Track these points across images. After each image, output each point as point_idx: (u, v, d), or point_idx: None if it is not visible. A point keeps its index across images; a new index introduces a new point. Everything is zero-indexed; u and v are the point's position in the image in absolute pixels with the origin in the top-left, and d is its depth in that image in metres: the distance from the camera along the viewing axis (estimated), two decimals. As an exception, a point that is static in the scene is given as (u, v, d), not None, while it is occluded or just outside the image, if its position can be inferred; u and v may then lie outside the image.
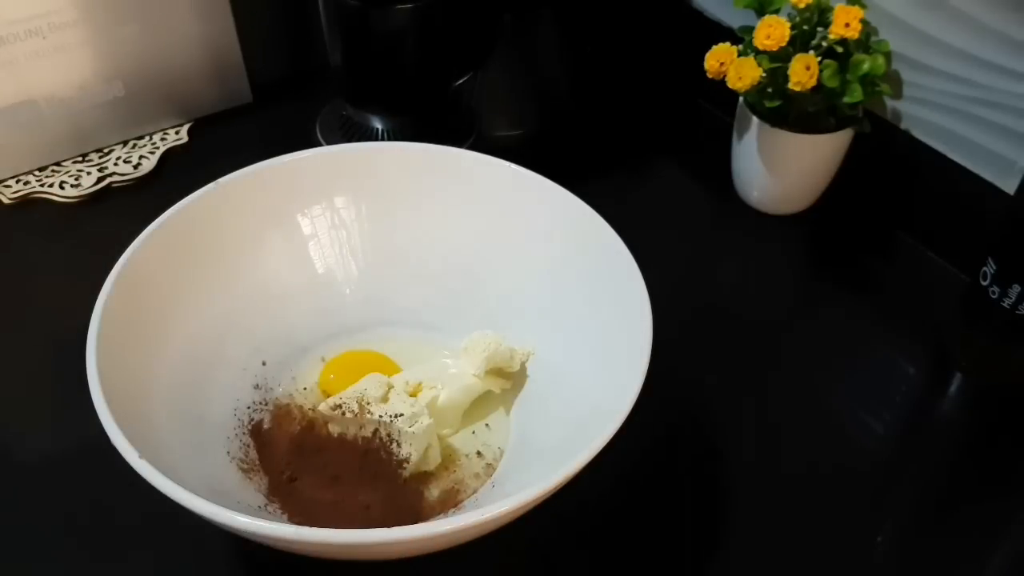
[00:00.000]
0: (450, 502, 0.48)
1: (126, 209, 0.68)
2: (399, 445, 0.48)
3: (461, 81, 0.73)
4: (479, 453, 0.51)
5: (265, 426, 0.51)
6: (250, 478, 0.47)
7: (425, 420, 0.48)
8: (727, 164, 0.72)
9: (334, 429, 0.49)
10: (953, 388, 0.59)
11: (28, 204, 0.69)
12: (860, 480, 0.53)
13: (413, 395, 0.50)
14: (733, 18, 0.74)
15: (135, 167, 0.72)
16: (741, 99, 0.67)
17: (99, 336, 0.43)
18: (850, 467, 0.53)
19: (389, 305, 0.57)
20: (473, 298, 0.56)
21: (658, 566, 0.48)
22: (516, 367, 0.53)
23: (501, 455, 0.50)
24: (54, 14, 0.66)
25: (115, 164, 0.72)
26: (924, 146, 0.65)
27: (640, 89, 0.84)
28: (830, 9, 0.62)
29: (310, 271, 0.57)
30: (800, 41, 0.63)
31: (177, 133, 0.76)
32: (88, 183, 0.70)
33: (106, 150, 0.74)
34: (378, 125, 0.72)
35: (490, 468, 0.50)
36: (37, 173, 0.71)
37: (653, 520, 0.50)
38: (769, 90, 0.64)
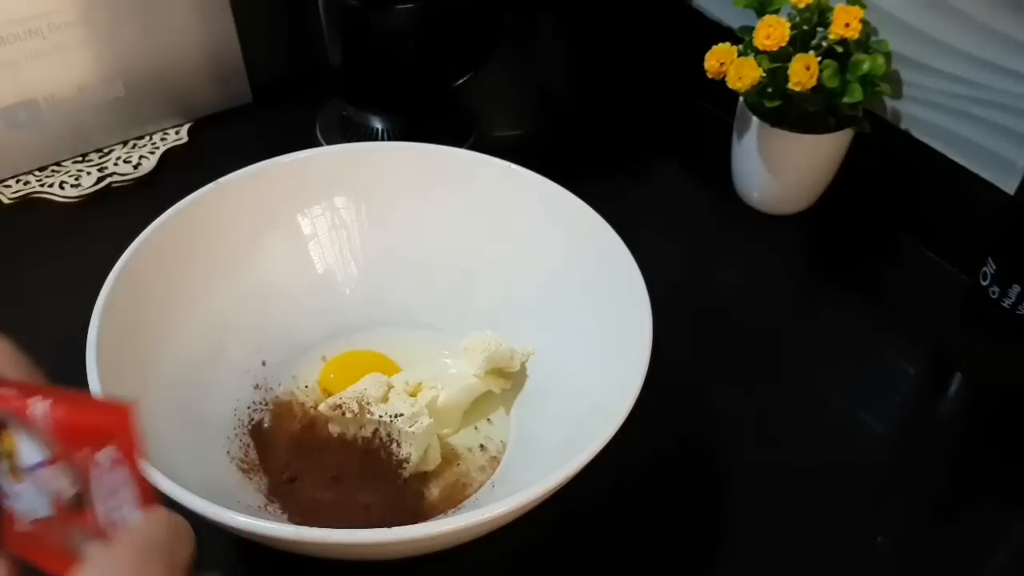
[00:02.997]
0: (453, 498, 0.48)
1: (126, 209, 0.68)
2: (399, 445, 0.48)
3: (461, 81, 0.73)
4: (482, 446, 0.51)
5: (265, 426, 0.51)
6: (250, 478, 0.47)
7: (425, 420, 0.48)
8: (727, 164, 0.72)
9: (334, 429, 0.49)
10: (953, 388, 0.59)
11: (28, 204, 0.69)
12: (860, 479, 0.53)
13: (413, 395, 0.50)
14: (733, 18, 0.74)
15: (135, 167, 0.72)
16: (741, 99, 0.67)
17: (99, 336, 0.43)
18: (850, 466, 0.53)
19: (389, 305, 0.57)
20: (473, 298, 0.56)
21: (659, 564, 0.48)
22: (516, 367, 0.53)
23: (504, 448, 0.51)
24: (54, 14, 0.66)
25: (115, 164, 0.72)
26: (924, 146, 0.65)
27: (640, 89, 0.84)
28: (830, 9, 0.62)
29: (310, 271, 0.57)
30: (800, 41, 0.63)
31: (177, 133, 0.76)
32: (88, 183, 0.70)
33: (106, 150, 0.73)
34: (378, 125, 0.72)
35: (494, 461, 0.50)
36: (37, 173, 0.71)
37: (654, 518, 0.50)
38: (769, 90, 0.64)
